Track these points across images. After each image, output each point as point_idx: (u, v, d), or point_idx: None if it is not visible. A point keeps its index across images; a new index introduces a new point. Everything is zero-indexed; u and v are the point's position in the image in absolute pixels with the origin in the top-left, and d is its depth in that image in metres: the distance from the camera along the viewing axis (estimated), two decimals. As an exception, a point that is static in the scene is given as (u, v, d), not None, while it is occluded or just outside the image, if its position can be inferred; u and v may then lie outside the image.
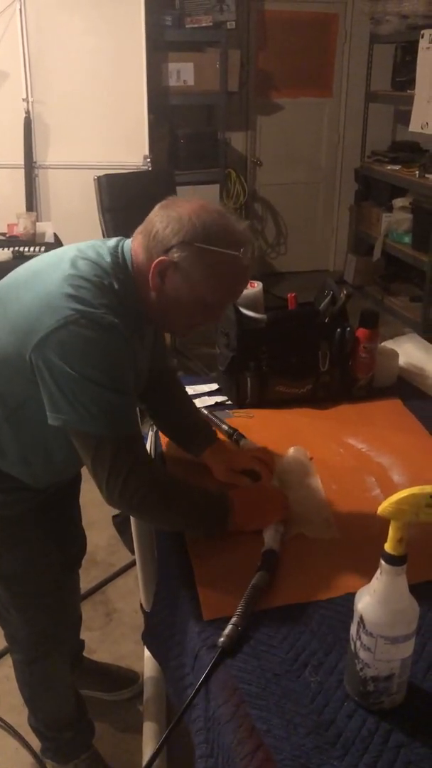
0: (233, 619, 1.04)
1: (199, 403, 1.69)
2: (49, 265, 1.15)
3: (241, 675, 0.98)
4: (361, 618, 0.89)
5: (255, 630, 1.05)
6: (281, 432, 1.62)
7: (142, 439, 1.19)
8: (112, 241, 1.19)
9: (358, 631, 0.90)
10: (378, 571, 0.88)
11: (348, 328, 1.74)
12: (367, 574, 0.94)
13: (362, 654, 0.90)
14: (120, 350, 1.10)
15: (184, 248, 1.11)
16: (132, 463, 1.11)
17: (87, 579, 2.22)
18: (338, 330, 1.73)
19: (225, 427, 1.57)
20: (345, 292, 1.75)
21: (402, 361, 1.91)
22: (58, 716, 1.51)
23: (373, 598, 0.88)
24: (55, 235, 3.52)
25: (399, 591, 0.87)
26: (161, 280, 1.14)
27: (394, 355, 1.87)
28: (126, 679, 1.85)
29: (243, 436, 1.53)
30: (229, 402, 1.75)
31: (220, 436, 1.51)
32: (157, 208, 1.16)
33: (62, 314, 1.06)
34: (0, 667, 1.94)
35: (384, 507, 0.85)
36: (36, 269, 1.17)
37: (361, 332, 1.75)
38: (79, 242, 1.23)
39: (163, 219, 1.12)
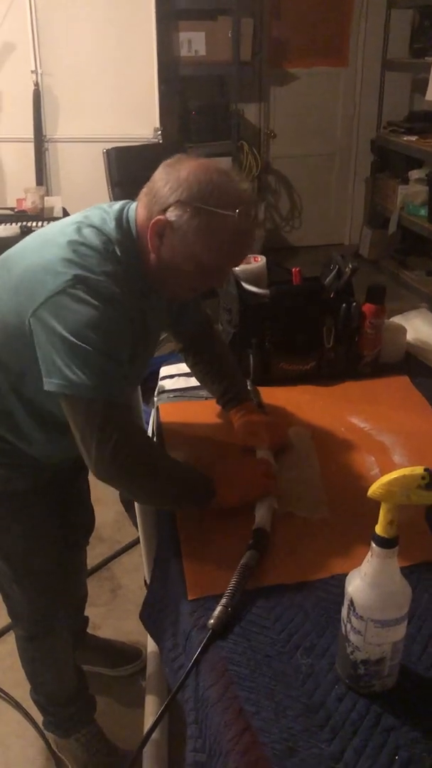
0: (223, 600, 1.03)
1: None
2: (56, 231, 1.15)
3: (231, 657, 0.96)
4: (351, 601, 0.87)
5: (247, 610, 1.04)
6: (284, 410, 1.59)
7: (133, 412, 1.18)
8: (118, 205, 1.18)
9: (348, 614, 0.88)
10: (368, 554, 0.86)
11: (354, 304, 1.70)
12: (362, 555, 0.92)
13: (352, 637, 0.88)
14: (117, 321, 1.09)
15: (180, 208, 1.09)
16: (122, 430, 1.09)
17: (93, 555, 2.22)
18: (343, 305, 1.69)
19: (254, 399, 1.57)
20: (350, 266, 1.71)
21: (410, 336, 1.87)
22: (58, 692, 1.52)
23: (363, 581, 0.86)
24: (64, 210, 3.48)
25: (390, 574, 0.85)
26: (159, 240, 1.13)
27: (402, 330, 1.83)
28: (129, 655, 1.86)
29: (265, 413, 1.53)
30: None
31: None
32: (161, 166, 1.14)
33: (63, 279, 1.06)
34: (4, 642, 1.96)
35: (374, 489, 0.83)
36: (44, 234, 1.18)
37: (368, 307, 1.71)
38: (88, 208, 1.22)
39: (163, 177, 1.11)
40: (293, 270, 1.76)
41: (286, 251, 5.42)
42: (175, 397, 1.66)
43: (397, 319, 1.93)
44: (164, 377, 1.76)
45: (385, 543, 0.84)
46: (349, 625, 0.89)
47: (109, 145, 3.68)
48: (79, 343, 1.04)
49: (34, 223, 3.18)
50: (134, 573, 2.21)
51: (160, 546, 1.27)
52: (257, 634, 1.00)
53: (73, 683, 1.52)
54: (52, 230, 1.18)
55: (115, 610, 2.08)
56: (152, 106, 4.13)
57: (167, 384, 1.73)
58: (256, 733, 0.85)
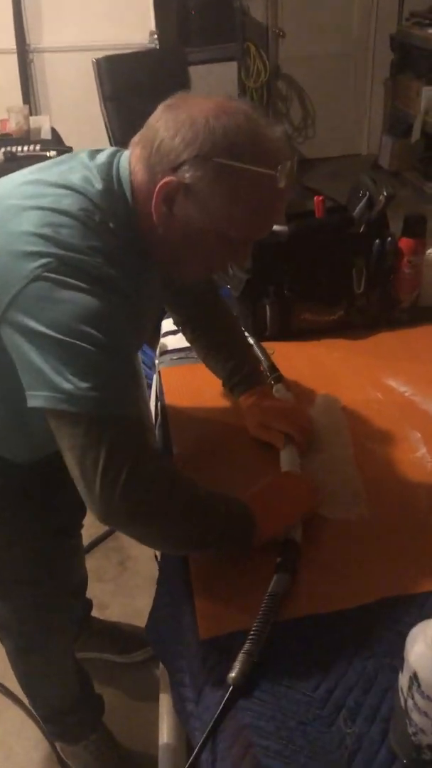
0: (245, 646, 0.82)
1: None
2: (16, 193, 0.86)
3: (257, 724, 0.76)
4: (415, 675, 0.65)
5: (273, 654, 0.83)
6: (307, 371, 1.35)
7: (147, 426, 0.91)
8: (104, 156, 0.90)
9: (410, 687, 0.67)
10: (439, 616, 0.64)
11: (389, 239, 1.43)
12: (414, 568, 0.78)
13: (416, 717, 0.67)
14: (116, 307, 0.82)
15: (200, 165, 0.81)
16: (136, 455, 0.83)
17: (99, 523, 2.03)
18: (377, 241, 1.42)
19: (265, 361, 1.34)
20: (385, 192, 1.42)
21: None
22: (59, 703, 1.35)
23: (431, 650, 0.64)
24: (53, 130, 3.15)
25: (469, 644, 0.63)
26: (168, 209, 0.85)
27: (444, 265, 1.56)
28: (139, 639, 1.67)
29: (281, 380, 1.29)
30: (246, 334, 1.47)
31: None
32: (160, 108, 0.86)
33: (35, 263, 0.78)
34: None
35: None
36: (6, 201, 0.87)
37: (405, 243, 1.44)
38: (61, 156, 0.94)
39: (169, 124, 0.83)
40: (315, 199, 1.48)
41: (300, 165, 4.99)
42: (179, 359, 1.42)
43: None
44: (166, 333, 1.51)
45: (463, 607, 0.61)
46: (411, 702, 0.67)
47: (100, 54, 3.28)
48: (72, 340, 0.78)
49: (20, 148, 2.85)
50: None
51: (163, 566, 1.07)
52: (288, 690, 0.80)
53: (74, 691, 1.34)
54: (6, 189, 0.88)
55: (123, 585, 1.90)
56: (146, 7, 3.71)
57: (170, 342, 1.48)
58: None
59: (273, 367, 1.32)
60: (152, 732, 1.45)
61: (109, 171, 0.88)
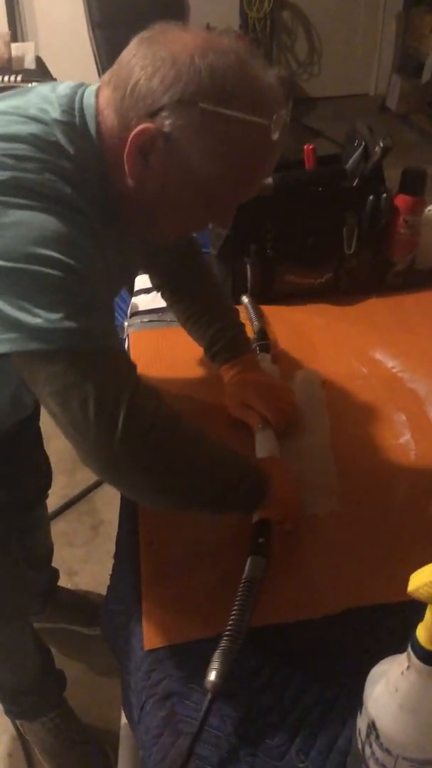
0: (223, 642, 0.72)
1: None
2: None
3: (200, 753, 0.68)
4: (374, 724, 0.57)
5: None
6: (288, 338, 1.25)
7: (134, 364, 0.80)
8: (66, 88, 0.77)
9: (368, 734, 0.58)
10: (404, 662, 0.55)
11: (384, 195, 1.30)
12: (389, 577, 0.71)
13: (373, 767, 0.59)
14: (79, 230, 0.71)
15: (182, 111, 0.70)
16: (133, 389, 0.71)
17: (72, 484, 1.95)
18: (371, 197, 1.29)
19: (256, 324, 1.24)
20: (381, 143, 1.28)
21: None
22: (17, 685, 1.28)
23: (394, 699, 0.55)
24: (38, 59, 2.95)
25: (436, 696, 0.54)
26: (143, 160, 0.74)
27: (445, 225, 1.43)
28: (109, 610, 1.62)
29: (267, 349, 1.19)
30: (242, 295, 1.35)
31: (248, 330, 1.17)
32: (134, 42, 0.73)
33: None
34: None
35: (418, 585, 0.50)
36: None
37: (402, 200, 1.31)
38: (17, 89, 0.82)
39: (146, 62, 0.70)
40: (306, 148, 1.34)
41: (303, 103, 4.76)
42: (150, 321, 1.30)
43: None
44: (139, 291, 1.40)
45: (431, 658, 0.52)
46: (368, 749, 0.59)
47: (90, -25, 3.05)
48: (31, 267, 0.67)
49: (1, 78, 2.67)
50: (119, 505, 1.96)
51: (117, 557, 0.98)
52: (236, 712, 0.72)
53: (33, 672, 1.28)
54: None
55: (95, 551, 1.83)
56: None
57: (141, 302, 1.37)
58: None
59: (263, 333, 1.22)
60: (116, 708, 1.40)
61: (71, 104, 0.75)
